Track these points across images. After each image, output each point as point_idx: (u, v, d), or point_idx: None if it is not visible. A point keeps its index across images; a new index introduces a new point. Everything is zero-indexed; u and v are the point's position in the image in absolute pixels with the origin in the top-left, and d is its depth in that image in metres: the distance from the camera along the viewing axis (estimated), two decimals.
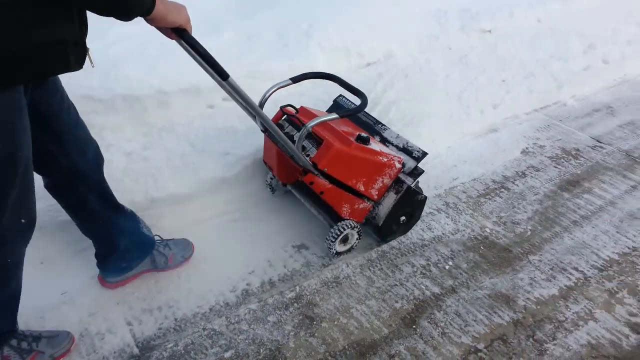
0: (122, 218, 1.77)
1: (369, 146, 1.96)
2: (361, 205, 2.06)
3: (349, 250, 2.13)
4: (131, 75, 2.40)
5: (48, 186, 1.58)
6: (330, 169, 1.88)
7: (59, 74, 1.24)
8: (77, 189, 1.58)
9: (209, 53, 1.38)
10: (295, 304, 1.89)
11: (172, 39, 1.34)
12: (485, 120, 3.04)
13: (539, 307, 1.92)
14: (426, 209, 2.36)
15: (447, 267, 2.09)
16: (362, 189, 2.01)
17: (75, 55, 1.22)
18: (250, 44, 2.86)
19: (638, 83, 3.64)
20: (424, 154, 2.14)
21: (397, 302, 1.92)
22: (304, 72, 2.09)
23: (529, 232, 2.29)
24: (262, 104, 1.96)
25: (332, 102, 2.42)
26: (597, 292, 1.99)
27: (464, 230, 2.30)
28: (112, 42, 2.57)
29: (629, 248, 2.21)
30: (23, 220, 1.36)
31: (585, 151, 2.88)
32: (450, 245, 2.21)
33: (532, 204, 2.47)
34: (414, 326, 1.82)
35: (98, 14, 1.14)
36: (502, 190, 2.56)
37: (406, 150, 2.18)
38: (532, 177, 2.66)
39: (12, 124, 1.20)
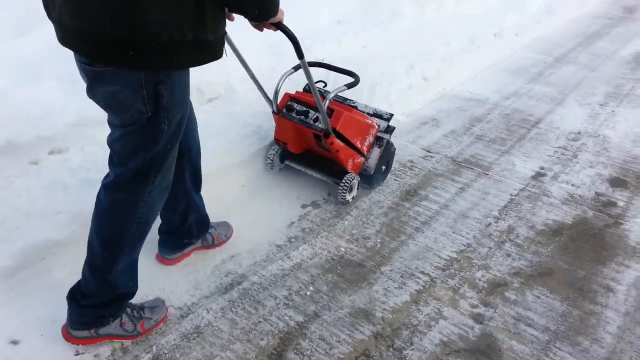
0: (198, 197, 2.10)
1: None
2: (358, 160, 2.67)
3: (353, 198, 2.70)
4: None
5: None
6: (343, 129, 2.47)
7: (217, 59, 1.53)
8: (181, 164, 1.84)
9: (295, 36, 1.83)
10: None
11: (261, 30, 1.75)
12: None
13: (394, 315, 2.03)
14: (283, 238, 2.39)
15: (308, 292, 2.12)
16: (359, 145, 2.61)
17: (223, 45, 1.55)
18: (76, 88, 2.64)
19: (454, 96, 4.12)
20: (391, 115, 2.83)
21: (262, 339, 1.88)
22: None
23: (379, 245, 2.42)
24: (277, 91, 2.55)
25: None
26: (443, 291, 2.17)
27: (321, 253, 2.35)
28: None
29: (464, 245, 2.46)
30: (167, 181, 1.72)
31: (418, 162, 3.16)
32: (309, 271, 2.24)
33: (379, 217, 2.63)
34: None
35: (242, 14, 1.54)
36: (352, 208, 2.69)
37: (377, 115, 2.82)
38: (376, 192, 2.84)
39: (187, 95, 1.61)
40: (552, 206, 2.77)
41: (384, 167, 2.82)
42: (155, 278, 2.11)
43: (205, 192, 2.17)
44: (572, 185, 2.96)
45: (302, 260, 2.30)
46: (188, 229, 2.13)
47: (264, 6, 1.53)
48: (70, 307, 1.74)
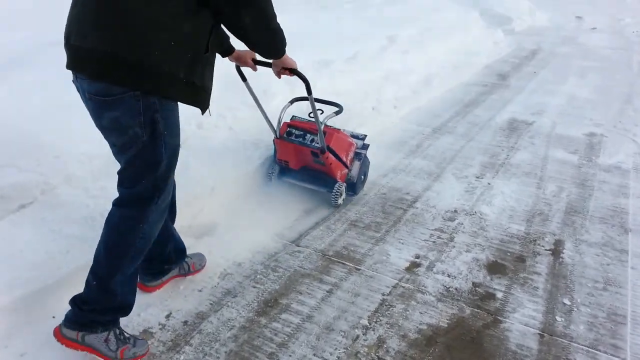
0: (174, 229, 2.36)
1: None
2: (344, 171, 3.30)
3: (342, 202, 3.34)
4: None
5: None
6: (334, 147, 3.13)
7: (202, 108, 1.91)
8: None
9: (307, 78, 2.48)
10: None
11: (279, 76, 2.40)
12: None
13: None
14: None
15: None
16: (345, 159, 3.26)
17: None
18: None
19: None
20: (365, 135, 3.58)
21: None
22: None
23: None
24: (280, 121, 3.19)
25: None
26: None
27: None
28: None
29: None
30: (166, 202, 2.01)
31: (283, 260, 2.77)
32: None
33: (226, 343, 2.16)
34: None
35: (262, 54, 2.08)
36: (193, 334, 2.20)
37: (353, 136, 3.50)
38: (228, 306, 2.38)
39: (179, 127, 1.91)
40: (426, 305, 2.46)
41: (362, 177, 3.50)
42: None
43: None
44: (448, 275, 2.70)
45: None
46: (167, 256, 2.36)
47: (276, 46, 2.00)
48: (71, 309, 1.96)
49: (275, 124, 3.17)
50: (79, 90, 1.81)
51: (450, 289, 2.59)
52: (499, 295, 2.57)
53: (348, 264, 2.77)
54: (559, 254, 2.94)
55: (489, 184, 3.81)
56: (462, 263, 2.82)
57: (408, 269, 2.75)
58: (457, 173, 3.99)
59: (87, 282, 1.95)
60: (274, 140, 3.24)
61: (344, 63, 5.30)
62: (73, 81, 1.82)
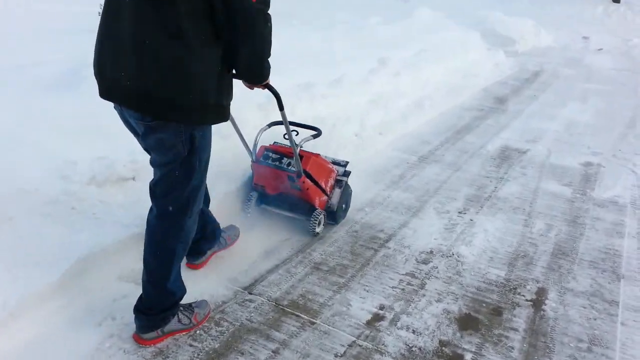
0: (209, 211, 2.68)
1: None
2: (323, 198, 3.15)
3: (321, 230, 3.17)
4: None
5: None
6: (311, 171, 3.00)
7: (226, 121, 2.08)
8: None
9: (278, 93, 2.38)
10: None
11: (252, 89, 2.32)
12: None
13: None
14: None
15: None
16: (323, 186, 3.12)
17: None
18: None
19: None
20: (347, 162, 3.40)
21: None
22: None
23: None
24: (256, 144, 3.07)
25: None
26: None
27: None
28: None
29: None
30: (199, 209, 2.24)
31: (231, 311, 2.50)
32: None
33: None
34: None
35: (243, 79, 2.15)
36: None
37: (335, 162, 3.37)
38: None
39: (211, 140, 2.11)
40: None
41: (344, 206, 3.34)
42: None
43: None
44: (413, 332, 2.41)
45: None
46: (207, 237, 2.69)
47: (263, 77, 2.10)
48: (137, 318, 2.19)
49: (252, 147, 3.07)
50: (121, 115, 2.04)
51: (413, 349, 2.30)
52: (468, 357, 2.27)
53: (303, 316, 2.49)
54: (541, 306, 2.63)
55: (471, 220, 3.52)
56: (430, 316, 2.53)
57: (369, 323, 2.46)
58: (439, 207, 3.71)
59: (146, 291, 2.18)
60: (251, 165, 3.16)
61: (327, 87, 5.07)
62: (115, 107, 2.04)
